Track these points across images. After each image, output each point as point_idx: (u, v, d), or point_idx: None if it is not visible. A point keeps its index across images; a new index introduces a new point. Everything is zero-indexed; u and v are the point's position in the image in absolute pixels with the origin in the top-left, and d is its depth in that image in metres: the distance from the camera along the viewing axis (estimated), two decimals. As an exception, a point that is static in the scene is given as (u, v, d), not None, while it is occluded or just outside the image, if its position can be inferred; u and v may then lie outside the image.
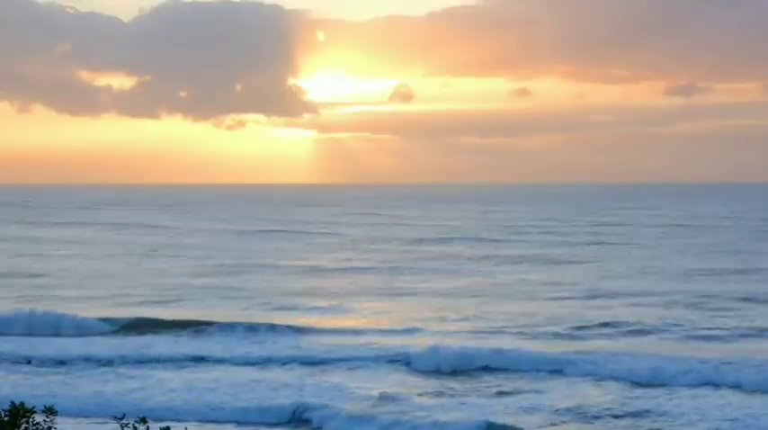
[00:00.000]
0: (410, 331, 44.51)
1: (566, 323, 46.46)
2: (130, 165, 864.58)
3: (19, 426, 10.06)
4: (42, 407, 10.56)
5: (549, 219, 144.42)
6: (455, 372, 36.47)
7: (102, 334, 44.92)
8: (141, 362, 38.26)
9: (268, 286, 61.98)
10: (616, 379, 34.68)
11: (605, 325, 45.89)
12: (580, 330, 44.76)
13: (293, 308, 52.63)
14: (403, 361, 38.03)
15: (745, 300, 54.33)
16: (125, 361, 38.31)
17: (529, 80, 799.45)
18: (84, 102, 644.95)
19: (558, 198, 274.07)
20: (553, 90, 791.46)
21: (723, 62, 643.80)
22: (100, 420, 29.49)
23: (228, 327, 44.96)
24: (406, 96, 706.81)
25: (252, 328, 44.73)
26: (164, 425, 11.27)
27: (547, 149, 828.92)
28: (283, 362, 38.20)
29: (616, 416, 29.91)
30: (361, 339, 42.62)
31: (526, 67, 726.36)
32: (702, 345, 41.33)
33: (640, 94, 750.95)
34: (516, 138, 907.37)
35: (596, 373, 35.49)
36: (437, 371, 36.58)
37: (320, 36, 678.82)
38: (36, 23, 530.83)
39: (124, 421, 10.21)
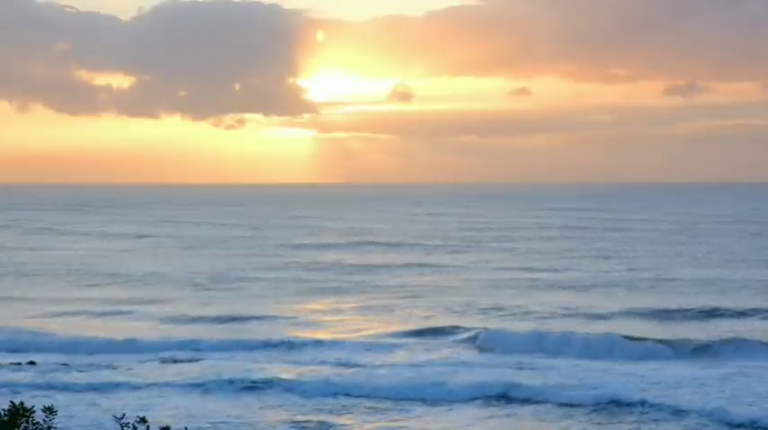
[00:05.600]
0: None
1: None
2: (130, 165, 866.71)
3: (19, 426, 10.03)
4: (42, 407, 10.53)
5: (482, 221, 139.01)
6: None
7: None
8: None
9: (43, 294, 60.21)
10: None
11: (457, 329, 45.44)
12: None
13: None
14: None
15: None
16: None
17: (528, 80, 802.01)
18: (83, 101, 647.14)
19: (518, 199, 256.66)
20: (553, 89, 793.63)
21: (723, 61, 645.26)
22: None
23: None
24: (406, 96, 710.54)
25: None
26: (164, 425, 11.25)
27: (547, 149, 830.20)
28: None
29: None
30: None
31: (526, 66, 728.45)
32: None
33: (640, 93, 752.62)
34: (516, 138, 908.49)
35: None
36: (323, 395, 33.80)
37: (320, 35, 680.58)
38: (36, 23, 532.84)
39: (124, 421, 10.17)
